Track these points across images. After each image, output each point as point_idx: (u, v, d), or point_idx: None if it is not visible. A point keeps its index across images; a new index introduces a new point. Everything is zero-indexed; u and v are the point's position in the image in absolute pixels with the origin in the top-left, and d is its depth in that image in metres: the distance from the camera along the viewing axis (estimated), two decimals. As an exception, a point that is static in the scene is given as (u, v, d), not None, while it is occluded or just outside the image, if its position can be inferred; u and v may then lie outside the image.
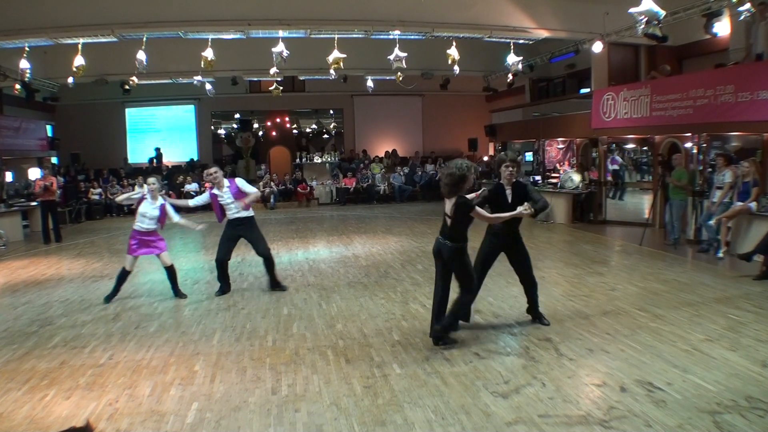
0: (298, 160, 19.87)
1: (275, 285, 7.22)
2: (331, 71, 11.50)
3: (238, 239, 7.06)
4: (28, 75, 11.09)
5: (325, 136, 22.77)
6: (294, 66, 11.72)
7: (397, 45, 11.23)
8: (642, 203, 14.53)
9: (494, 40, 12.21)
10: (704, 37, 10.50)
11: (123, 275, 6.87)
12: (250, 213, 7.01)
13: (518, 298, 6.51)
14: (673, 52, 12.12)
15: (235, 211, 6.89)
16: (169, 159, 20.09)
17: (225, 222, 7.04)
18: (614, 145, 13.95)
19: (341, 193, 18.59)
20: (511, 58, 12.07)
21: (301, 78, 19.05)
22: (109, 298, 6.86)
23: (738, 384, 4.09)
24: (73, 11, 10.15)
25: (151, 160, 19.97)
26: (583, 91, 14.57)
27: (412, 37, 11.83)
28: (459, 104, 21.05)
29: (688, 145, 10.26)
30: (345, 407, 3.92)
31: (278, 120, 22.00)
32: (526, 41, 12.64)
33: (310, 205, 18.24)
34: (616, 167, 15.47)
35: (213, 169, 6.95)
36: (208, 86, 16.09)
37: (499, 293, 6.70)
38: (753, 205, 8.20)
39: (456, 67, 11.54)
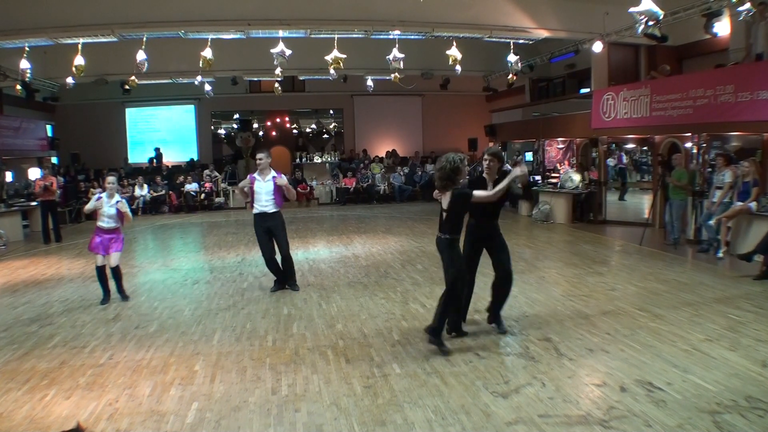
0: (297, 160, 19.87)
1: (293, 282, 7.28)
2: (331, 71, 11.51)
3: (271, 234, 7.02)
4: (28, 75, 11.08)
5: (325, 136, 22.77)
6: (294, 66, 11.72)
7: (397, 45, 11.24)
8: (642, 203, 14.55)
9: (494, 40, 12.20)
10: (704, 37, 10.49)
11: (100, 273, 6.78)
12: (277, 208, 6.96)
13: (518, 298, 6.52)
14: (673, 52, 12.12)
15: (264, 203, 6.89)
16: (169, 159, 20.08)
17: (253, 220, 7.08)
18: (614, 144, 13.98)
19: (341, 193, 18.59)
20: (512, 58, 12.09)
21: (301, 78, 19.05)
22: (105, 300, 6.85)
23: (738, 384, 4.09)
24: (73, 11, 10.14)
25: (151, 160, 19.97)
26: (583, 91, 14.56)
27: (412, 37, 11.83)
28: (459, 104, 21.04)
29: (688, 145, 10.26)
30: (345, 407, 3.92)
31: (278, 120, 22.00)
32: (526, 41, 12.63)
33: (310, 205, 18.24)
34: (622, 167, 15.50)
35: (261, 155, 6.94)
36: (207, 87, 16.09)
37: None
38: (753, 205, 8.21)
39: (458, 67, 11.54)
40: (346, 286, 7.44)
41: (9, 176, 14.55)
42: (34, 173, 15.11)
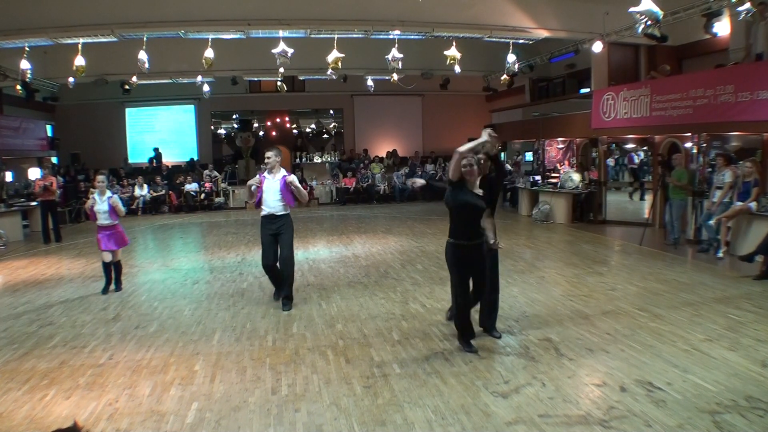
0: (297, 160, 19.87)
1: (286, 297, 6.50)
2: (329, 72, 11.52)
3: (277, 237, 6.44)
4: (28, 75, 11.09)
5: (325, 136, 22.76)
6: (294, 66, 11.71)
7: (396, 45, 11.24)
8: (642, 203, 14.56)
9: (494, 40, 12.20)
10: (704, 37, 10.49)
11: (106, 266, 7.34)
12: (287, 210, 6.48)
13: (518, 298, 6.52)
14: (673, 52, 12.12)
15: (273, 204, 6.37)
16: (169, 159, 20.07)
17: (260, 222, 6.56)
18: (614, 144, 13.98)
19: (341, 193, 18.59)
20: (510, 58, 12.09)
21: (301, 78, 19.06)
22: (105, 290, 7.24)
23: (738, 384, 4.09)
24: (73, 11, 10.14)
25: (150, 160, 19.98)
26: (583, 91, 14.56)
27: (412, 37, 11.83)
28: (459, 104, 21.04)
29: (688, 145, 10.26)
30: (345, 407, 3.92)
31: (278, 120, 21.99)
32: (526, 41, 12.63)
33: (310, 205, 18.24)
34: (634, 166, 15.47)
35: (271, 153, 6.42)
36: (205, 87, 16.09)
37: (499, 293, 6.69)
38: (753, 205, 8.20)
39: (456, 67, 11.54)
40: (346, 286, 7.44)
41: (9, 176, 14.56)
42: (34, 173, 15.11)
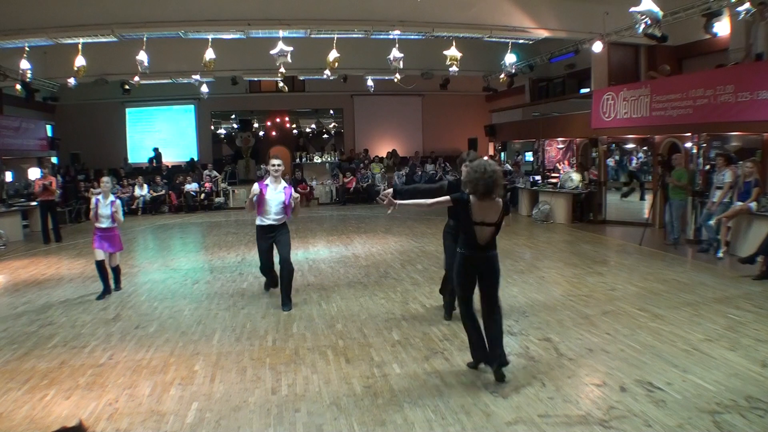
0: (297, 160, 19.87)
1: (285, 299, 6.39)
2: (326, 72, 11.51)
3: (273, 246, 6.43)
4: (29, 75, 11.09)
5: (325, 136, 22.77)
6: (294, 66, 11.72)
7: (396, 45, 11.24)
8: (642, 203, 14.55)
9: (494, 40, 12.21)
10: (704, 37, 10.49)
11: (100, 267, 7.11)
12: (284, 221, 6.39)
13: (518, 298, 6.52)
14: (673, 52, 12.12)
15: (274, 215, 6.28)
16: (169, 159, 20.08)
17: (256, 232, 6.48)
18: (614, 144, 13.98)
19: (341, 193, 18.59)
20: (509, 58, 12.08)
21: (301, 78, 19.06)
22: (102, 295, 7.09)
23: (738, 384, 4.09)
24: (73, 11, 10.15)
25: (150, 160, 19.98)
26: (583, 91, 14.57)
27: (412, 37, 11.83)
28: (459, 104, 21.05)
29: (688, 145, 10.26)
30: (345, 407, 3.92)
31: (278, 120, 21.99)
32: (526, 41, 12.64)
33: (310, 205, 18.24)
34: (633, 170, 15.45)
35: (279, 161, 6.35)
36: (204, 88, 16.08)
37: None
38: (753, 205, 8.20)
39: (454, 67, 11.53)
40: (346, 286, 7.44)
41: (9, 176, 14.56)
42: (34, 173, 15.11)
